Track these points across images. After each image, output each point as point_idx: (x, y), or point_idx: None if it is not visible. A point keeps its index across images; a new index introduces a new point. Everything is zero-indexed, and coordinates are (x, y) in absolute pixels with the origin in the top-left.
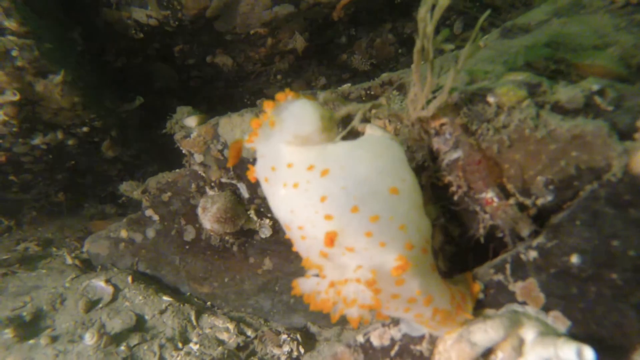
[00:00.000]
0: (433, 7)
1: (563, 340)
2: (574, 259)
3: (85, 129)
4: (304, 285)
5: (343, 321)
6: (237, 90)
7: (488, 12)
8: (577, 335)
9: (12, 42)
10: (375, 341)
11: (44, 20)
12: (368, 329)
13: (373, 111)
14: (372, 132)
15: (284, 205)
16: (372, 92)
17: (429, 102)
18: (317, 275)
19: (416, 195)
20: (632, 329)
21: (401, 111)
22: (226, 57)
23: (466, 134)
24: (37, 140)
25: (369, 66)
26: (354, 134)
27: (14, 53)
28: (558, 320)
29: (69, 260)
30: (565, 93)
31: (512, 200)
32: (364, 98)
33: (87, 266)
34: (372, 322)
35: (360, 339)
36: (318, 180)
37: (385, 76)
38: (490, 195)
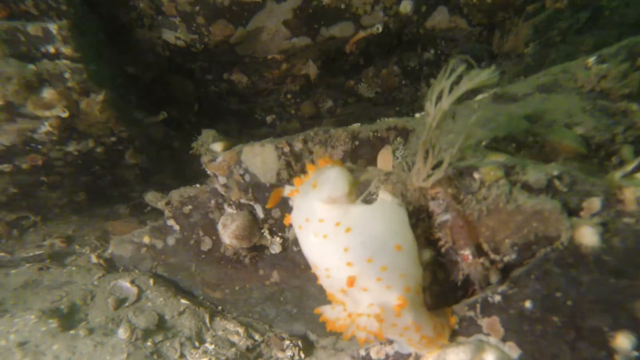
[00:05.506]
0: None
1: None
2: (528, 304)
3: (113, 138)
4: (329, 313)
5: (339, 334)
6: (250, 106)
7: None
8: None
9: (65, 65)
10: (374, 355)
11: (88, 41)
12: (369, 346)
13: (384, 177)
14: (384, 196)
15: (316, 251)
16: (379, 135)
17: (429, 176)
18: (334, 306)
19: (414, 250)
20: (565, 359)
21: (407, 179)
22: (242, 75)
23: (455, 202)
24: (71, 148)
25: (374, 94)
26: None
27: (67, 75)
28: (512, 349)
29: (94, 259)
30: (533, 175)
31: (482, 259)
32: (371, 139)
33: (110, 265)
34: (374, 342)
35: (362, 352)
36: (343, 235)
37: (391, 121)
38: (467, 252)
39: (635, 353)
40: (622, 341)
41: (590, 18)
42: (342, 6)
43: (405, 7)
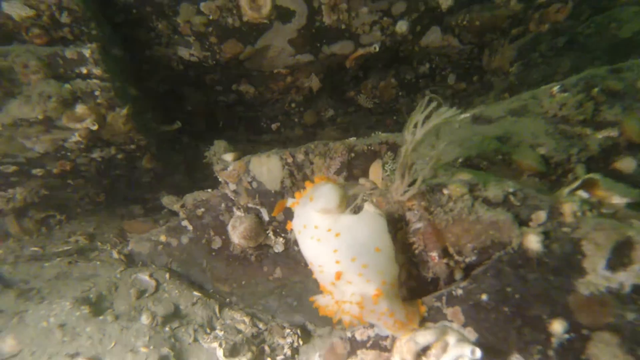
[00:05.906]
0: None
1: (467, 344)
2: (484, 296)
3: (132, 146)
4: (320, 300)
5: (335, 323)
6: (256, 114)
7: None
8: (480, 342)
9: (96, 84)
10: (358, 337)
11: (113, 60)
12: (354, 329)
13: (370, 191)
14: (368, 208)
15: (311, 251)
16: (373, 148)
17: (405, 192)
18: (325, 295)
19: (391, 252)
20: (512, 341)
21: (388, 194)
22: (249, 86)
23: (426, 213)
24: (95, 155)
25: (372, 104)
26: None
27: (97, 93)
28: (470, 333)
29: (115, 255)
30: (492, 192)
31: (446, 260)
32: (365, 151)
33: (130, 260)
34: (358, 326)
35: (349, 334)
36: (333, 239)
37: (383, 136)
38: (435, 254)
39: (566, 335)
40: (557, 326)
41: (567, 42)
42: (343, 27)
43: (401, 27)
